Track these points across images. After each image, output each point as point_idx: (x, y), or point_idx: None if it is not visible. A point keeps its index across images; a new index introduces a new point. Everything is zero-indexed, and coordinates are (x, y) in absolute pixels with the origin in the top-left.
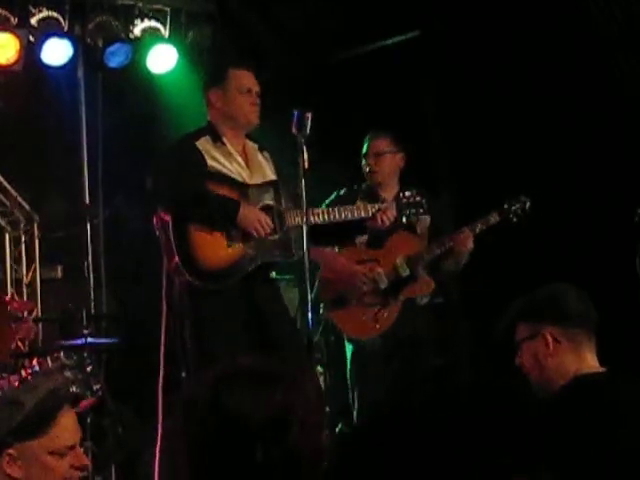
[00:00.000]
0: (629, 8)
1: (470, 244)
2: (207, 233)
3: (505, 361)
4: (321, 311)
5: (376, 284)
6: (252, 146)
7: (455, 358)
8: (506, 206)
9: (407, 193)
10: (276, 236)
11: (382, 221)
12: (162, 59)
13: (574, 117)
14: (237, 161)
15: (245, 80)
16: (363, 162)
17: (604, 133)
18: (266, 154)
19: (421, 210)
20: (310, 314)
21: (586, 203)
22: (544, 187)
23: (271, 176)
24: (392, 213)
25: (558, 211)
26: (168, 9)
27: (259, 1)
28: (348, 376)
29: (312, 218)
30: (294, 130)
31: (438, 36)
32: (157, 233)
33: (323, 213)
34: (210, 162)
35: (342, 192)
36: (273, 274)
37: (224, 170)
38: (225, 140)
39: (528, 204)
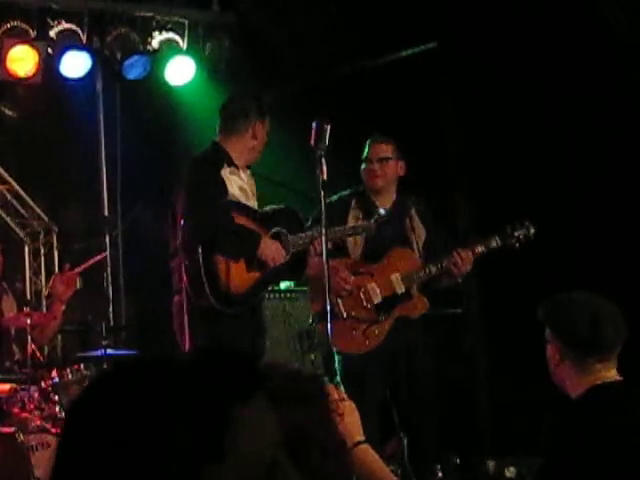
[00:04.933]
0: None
1: (468, 267)
2: (231, 260)
3: (522, 371)
4: (310, 321)
5: (369, 299)
6: (248, 173)
7: (473, 368)
8: (509, 231)
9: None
10: (284, 260)
11: (315, 249)
12: (180, 71)
13: (593, 129)
14: (245, 184)
15: None
16: (364, 166)
17: (624, 145)
18: (245, 172)
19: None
20: (330, 325)
21: (607, 215)
22: (565, 200)
23: (253, 196)
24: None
25: (580, 223)
26: (186, 21)
27: (277, 13)
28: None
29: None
30: (312, 142)
31: (455, 47)
32: (179, 255)
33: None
34: (230, 190)
35: (334, 199)
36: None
37: (241, 198)
38: (238, 165)
39: (532, 231)
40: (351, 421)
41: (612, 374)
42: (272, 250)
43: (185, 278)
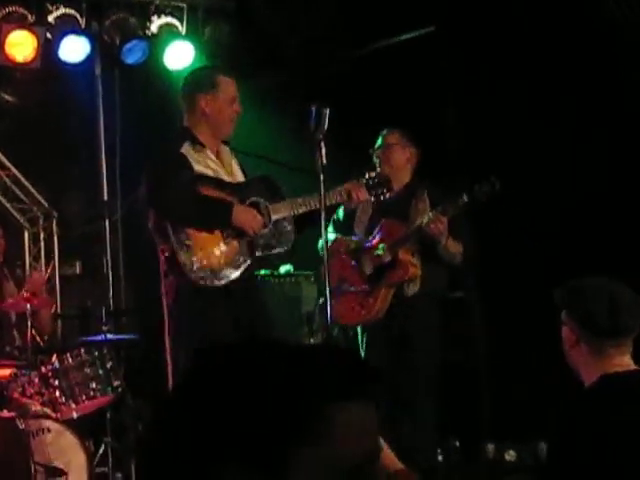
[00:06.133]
0: None
1: (441, 227)
2: (204, 232)
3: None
4: (321, 300)
5: (362, 270)
6: (224, 148)
7: (473, 352)
8: (476, 187)
9: (372, 173)
10: (265, 230)
11: (358, 197)
12: (179, 56)
13: (595, 124)
14: (215, 162)
15: (232, 89)
16: (374, 155)
17: (625, 141)
18: (233, 154)
19: (385, 190)
20: (329, 309)
21: (608, 206)
22: (567, 183)
23: (241, 176)
24: (363, 193)
25: (581, 212)
26: (185, 5)
27: None
28: None
29: (296, 210)
30: (311, 127)
31: (454, 31)
32: (154, 238)
33: (304, 203)
34: (195, 166)
35: None
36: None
37: (209, 172)
38: (204, 143)
39: (497, 186)
40: None
41: (627, 361)
42: (248, 217)
43: (164, 259)
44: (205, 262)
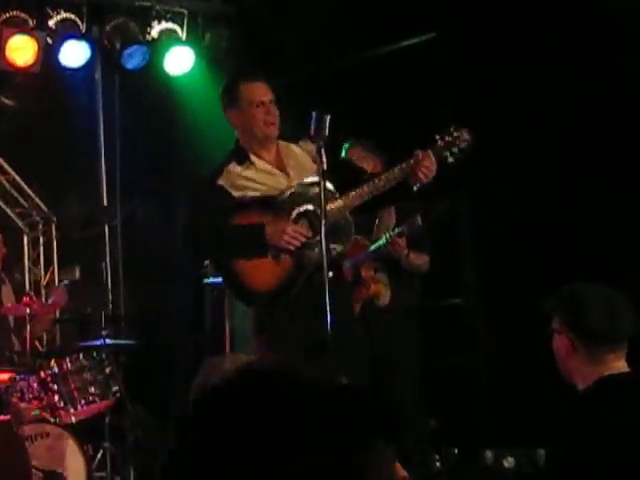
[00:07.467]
0: None
1: (396, 249)
2: (249, 260)
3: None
4: None
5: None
6: (285, 145)
7: (471, 359)
8: (429, 210)
9: (443, 134)
10: (318, 237)
11: (424, 175)
12: (179, 61)
13: (597, 119)
14: (271, 173)
15: (256, 92)
16: None
17: (628, 133)
18: (302, 143)
19: (464, 145)
20: (329, 318)
21: (610, 208)
22: (568, 189)
23: (312, 168)
24: (431, 162)
25: (582, 216)
26: (185, 11)
27: (276, 3)
28: None
29: (352, 202)
30: (312, 132)
31: (455, 37)
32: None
33: (360, 194)
34: (236, 193)
35: None
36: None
37: (254, 193)
38: (253, 157)
39: (448, 207)
40: None
41: (622, 364)
42: (277, 235)
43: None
44: (263, 288)
